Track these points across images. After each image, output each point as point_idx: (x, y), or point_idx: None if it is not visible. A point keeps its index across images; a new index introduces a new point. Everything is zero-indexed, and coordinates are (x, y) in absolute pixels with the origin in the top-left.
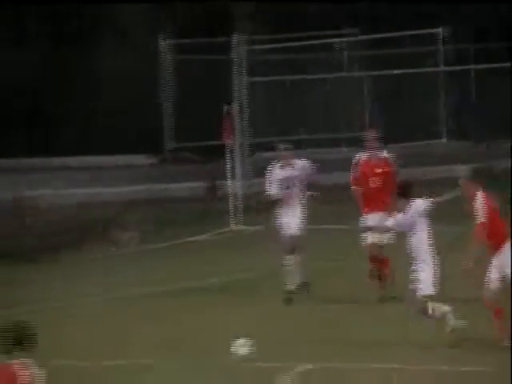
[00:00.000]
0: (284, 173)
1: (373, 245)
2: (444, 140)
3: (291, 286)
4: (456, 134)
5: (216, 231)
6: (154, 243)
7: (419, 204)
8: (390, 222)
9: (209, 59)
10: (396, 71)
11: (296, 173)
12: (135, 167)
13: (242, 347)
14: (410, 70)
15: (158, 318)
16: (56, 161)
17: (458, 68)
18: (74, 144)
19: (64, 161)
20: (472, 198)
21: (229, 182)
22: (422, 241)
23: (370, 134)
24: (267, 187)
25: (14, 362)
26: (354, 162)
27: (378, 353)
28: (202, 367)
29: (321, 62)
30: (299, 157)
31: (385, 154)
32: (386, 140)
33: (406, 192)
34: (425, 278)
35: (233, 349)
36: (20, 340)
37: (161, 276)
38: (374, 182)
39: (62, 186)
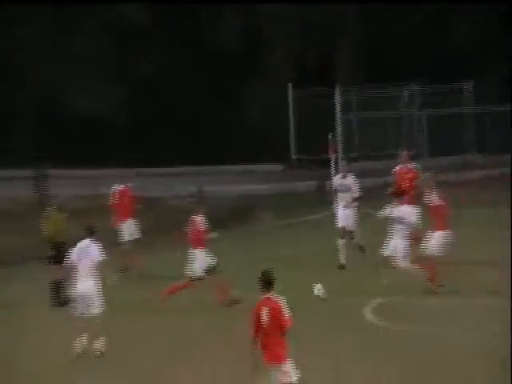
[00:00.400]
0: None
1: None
2: None
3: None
4: None
5: (322, 213)
6: (283, 221)
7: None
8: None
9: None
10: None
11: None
12: (270, 172)
13: (319, 290)
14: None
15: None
16: (221, 168)
17: None
18: (231, 155)
19: (224, 168)
20: (431, 189)
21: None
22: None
23: (405, 153)
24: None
25: (277, 297)
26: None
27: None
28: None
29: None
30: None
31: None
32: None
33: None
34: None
35: (314, 290)
36: (271, 281)
37: (290, 242)
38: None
39: (222, 183)
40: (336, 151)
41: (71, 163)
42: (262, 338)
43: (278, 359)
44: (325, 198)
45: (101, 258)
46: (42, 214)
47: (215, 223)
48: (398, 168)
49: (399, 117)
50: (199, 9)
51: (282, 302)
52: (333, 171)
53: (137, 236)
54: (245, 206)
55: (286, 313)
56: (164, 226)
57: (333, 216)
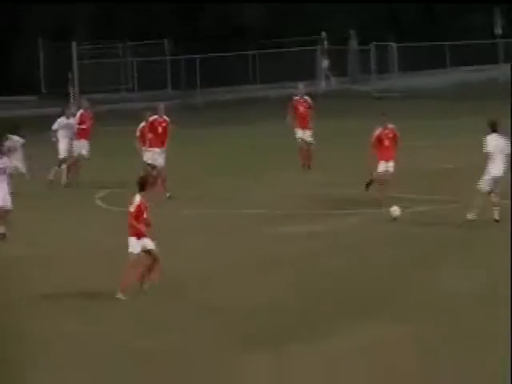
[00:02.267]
0: None
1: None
2: None
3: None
4: None
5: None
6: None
7: None
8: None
9: None
10: None
11: None
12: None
13: (395, 211)
14: None
15: None
16: None
17: None
18: None
19: None
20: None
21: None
22: None
23: None
24: None
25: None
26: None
27: None
28: None
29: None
30: None
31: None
32: None
33: None
34: None
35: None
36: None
37: None
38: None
39: None
40: (73, 86)
41: None
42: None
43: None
44: None
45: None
46: None
47: None
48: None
49: (118, 62)
50: None
51: (135, 200)
52: (71, 101)
53: None
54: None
55: (131, 209)
56: None
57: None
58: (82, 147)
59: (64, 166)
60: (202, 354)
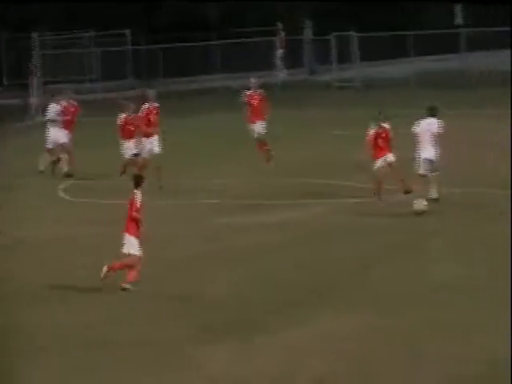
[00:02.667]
0: None
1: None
2: None
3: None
4: None
5: (26, 122)
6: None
7: None
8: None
9: None
10: None
11: None
12: None
13: (419, 204)
14: None
15: None
16: None
17: None
18: None
19: None
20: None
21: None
22: None
23: None
24: None
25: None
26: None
27: None
28: None
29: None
30: None
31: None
32: None
33: None
34: None
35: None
36: (137, 182)
37: None
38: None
39: None
40: (36, 77)
41: None
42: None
43: (128, 231)
44: (28, 112)
45: None
46: None
47: None
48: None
49: (81, 52)
50: None
51: (137, 196)
52: (32, 91)
53: None
54: None
55: (137, 204)
56: None
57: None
58: (64, 137)
59: (62, 156)
60: (165, 345)
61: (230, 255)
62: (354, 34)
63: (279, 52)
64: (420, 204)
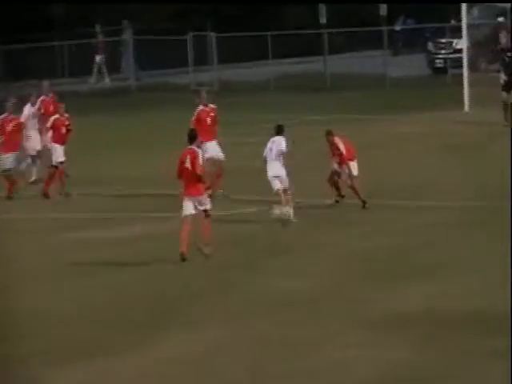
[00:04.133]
0: None
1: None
2: None
3: None
4: None
5: None
6: None
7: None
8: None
9: None
10: None
11: None
12: None
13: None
14: None
15: None
16: None
17: None
18: None
19: None
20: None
21: None
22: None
23: None
24: None
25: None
26: None
27: None
28: None
29: None
30: None
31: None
32: None
33: None
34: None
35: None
36: (193, 137)
37: None
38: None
39: None
40: None
41: None
42: (184, 177)
43: (197, 192)
44: None
45: None
46: None
47: None
48: None
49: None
50: None
51: (199, 152)
52: None
53: None
54: None
55: (200, 161)
56: None
57: None
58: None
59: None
60: (10, 362)
61: (82, 270)
62: (213, 34)
63: (98, 57)
64: (282, 211)
